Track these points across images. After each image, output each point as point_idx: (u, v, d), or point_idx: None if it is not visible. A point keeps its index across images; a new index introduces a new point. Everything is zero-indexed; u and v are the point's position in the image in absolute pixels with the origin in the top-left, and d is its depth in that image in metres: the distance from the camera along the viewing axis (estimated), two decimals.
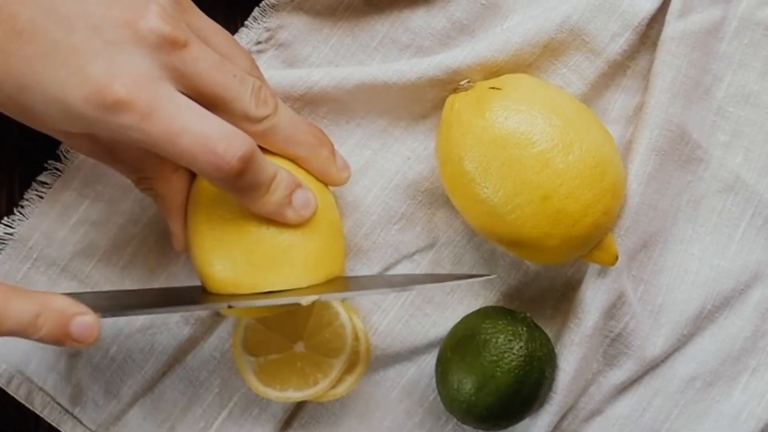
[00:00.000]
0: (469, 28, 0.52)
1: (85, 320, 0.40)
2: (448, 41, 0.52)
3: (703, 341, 0.53)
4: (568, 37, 0.50)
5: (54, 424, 0.51)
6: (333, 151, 0.47)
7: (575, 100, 0.48)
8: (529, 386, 0.47)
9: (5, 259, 0.51)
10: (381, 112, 0.51)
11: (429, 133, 0.51)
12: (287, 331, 0.50)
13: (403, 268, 0.52)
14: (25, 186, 0.51)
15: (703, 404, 0.53)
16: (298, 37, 0.52)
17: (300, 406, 0.52)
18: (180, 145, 0.39)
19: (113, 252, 0.51)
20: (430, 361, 0.52)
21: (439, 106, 0.49)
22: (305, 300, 0.42)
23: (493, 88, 0.47)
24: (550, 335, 0.51)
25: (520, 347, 0.47)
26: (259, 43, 0.52)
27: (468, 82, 0.48)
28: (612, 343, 0.52)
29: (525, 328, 0.48)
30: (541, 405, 0.50)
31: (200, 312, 0.51)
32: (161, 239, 0.51)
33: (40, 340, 0.40)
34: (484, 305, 0.52)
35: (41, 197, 0.51)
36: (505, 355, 0.47)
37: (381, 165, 0.52)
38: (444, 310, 0.52)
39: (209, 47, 0.42)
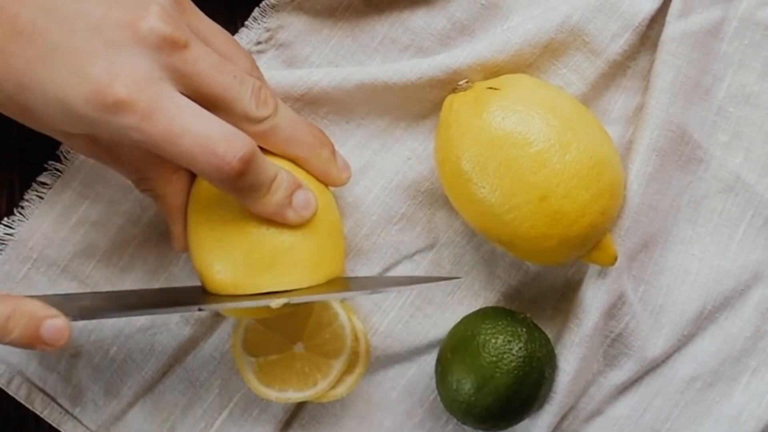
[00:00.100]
0: (469, 29, 0.51)
1: (55, 323, 0.40)
2: (448, 42, 0.51)
3: (703, 342, 0.53)
4: (569, 37, 0.50)
5: (54, 425, 0.51)
6: (333, 152, 0.47)
7: (574, 101, 0.48)
8: (529, 387, 0.47)
9: (5, 259, 0.51)
10: (381, 113, 0.51)
11: (429, 133, 0.51)
12: (287, 331, 0.50)
13: (404, 269, 0.52)
14: (25, 186, 0.51)
15: (704, 405, 0.53)
16: (298, 37, 0.52)
17: (300, 406, 0.52)
18: (180, 146, 0.39)
19: (113, 252, 0.51)
20: (430, 361, 0.52)
21: (439, 106, 0.49)
22: (274, 303, 0.42)
23: (492, 88, 0.47)
24: (550, 336, 0.51)
25: (520, 348, 0.47)
26: (259, 43, 0.52)
27: (467, 82, 0.48)
28: (612, 343, 0.51)
29: (525, 329, 0.48)
30: (541, 405, 0.50)
31: (200, 312, 0.51)
32: (161, 240, 0.51)
33: (11, 343, 0.40)
34: (484, 306, 0.52)
35: (41, 198, 0.51)
36: (505, 356, 0.47)
37: (381, 165, 0.52)
38: (444, 311, 0.52)
39: (209, 48, 0.42)
